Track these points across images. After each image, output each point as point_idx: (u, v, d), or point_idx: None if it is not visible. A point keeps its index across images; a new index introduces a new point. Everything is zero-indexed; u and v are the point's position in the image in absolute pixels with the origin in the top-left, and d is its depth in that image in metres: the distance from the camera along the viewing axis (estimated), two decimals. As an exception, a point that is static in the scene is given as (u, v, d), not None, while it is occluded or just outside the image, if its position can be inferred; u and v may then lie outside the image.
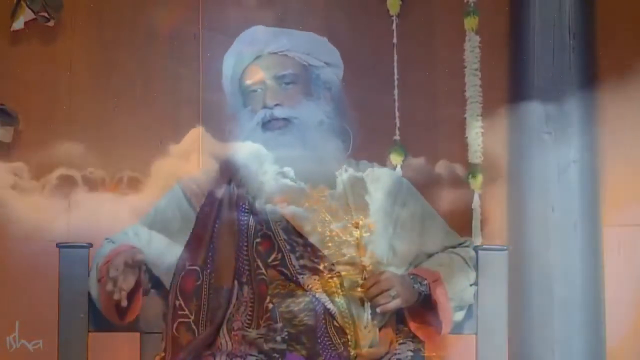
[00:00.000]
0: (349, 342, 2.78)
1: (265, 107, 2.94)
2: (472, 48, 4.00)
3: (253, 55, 2.99)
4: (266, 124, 2.94)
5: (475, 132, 3.99)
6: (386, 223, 2.95)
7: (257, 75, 2.98)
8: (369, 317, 2.83)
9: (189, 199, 2.97)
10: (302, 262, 2.82)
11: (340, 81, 3.07)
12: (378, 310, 2.81)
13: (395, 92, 3.95)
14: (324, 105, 2.98)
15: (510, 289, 2.98)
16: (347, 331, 2.78)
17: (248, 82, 2.98)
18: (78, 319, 2.92)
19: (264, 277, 2.82)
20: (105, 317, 2.90)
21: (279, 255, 2.83)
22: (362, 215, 2.93)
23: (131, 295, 2.79)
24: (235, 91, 3.04)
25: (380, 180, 3.02)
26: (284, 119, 2.93)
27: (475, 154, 3.99)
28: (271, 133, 2.93)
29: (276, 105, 2.94)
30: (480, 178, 3.99)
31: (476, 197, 3.99)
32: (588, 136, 3.88)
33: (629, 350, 3.88)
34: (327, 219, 2.91)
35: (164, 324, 2.85)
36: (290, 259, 2.82)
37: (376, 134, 3.74)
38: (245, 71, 3.00)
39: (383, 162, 3.71)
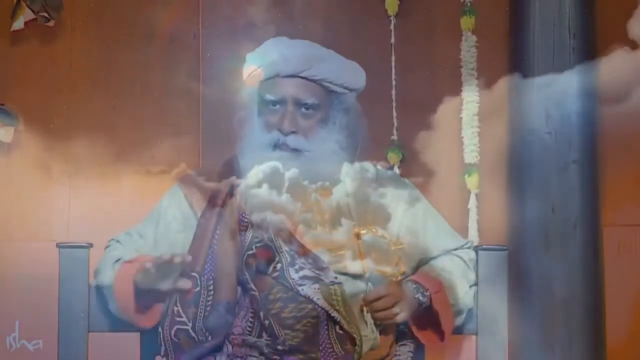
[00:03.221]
0: (356, 348, 2.78)
1: (279, 130, 2.88)
2: (468, 48, 4.01)
3: (285, 72, 2.91)
4: (277, 146, 2.89)
5: (472, 132, 4.00)
6: (389, 227, 2.94)
7: (281, 93, 2.89)
8: (372, 326, 2.83)
9: (189, 201, 2.97)
10: (302, 273, 2.81)
11: (356, 100, 3.02)
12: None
13: (393, 92, 3.96)
14: (337, 132, 2.93)
15: (510, 289, 2.98)
16: (355, 335, 2.78)
17: (269, 95, 2.90)
18: (78, 319, 2.92)
19: (254, 292, 2.81)
20: (111, 317, 2.90)
21: (278, 266, 2.82)
22: (363, 218, 2.92)
23: (160, 297, 2.82)
24: (252, 90, 2.97)
25: (382, 182, 3.01)
26: (296, 149, 2.88)
27: (471, 154, 3.99)
28: (280, 153, 2.88)
29: (292, 132, 2.88)
30: (476, 177, 4.00)
31: (472, 197, 4.00)
32: (588, 136, 3.89)
33: (629, 350, 3.88)
34: (327, 223, 2.90)
35: (161, 329, 2.85)
36: (289, 272, 2.81)
37: (374, 134, 3.74)
38: (271, 82, 2.92)
39: (381, 162, 3.71)
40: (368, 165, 3.04)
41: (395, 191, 3.00)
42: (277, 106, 2.89)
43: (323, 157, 2.89)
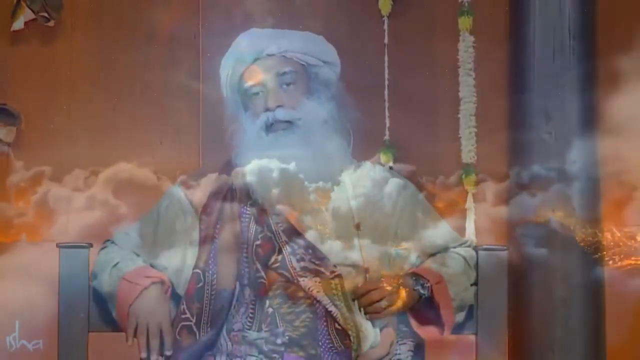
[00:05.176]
0: (352, 344, 2.78)
1: (267, 109, 2.93)
2: (466, 48, 4.01)
3: (251, 58, 2.99)
4: (270, 127, 2.93)
5: (469, 132, 4.00)
6: (388, 224, 2.95)
7: (257, 77, 2.97)
8: (364, 320, 2.83)
9: (190, 199, 2.97)
10: (303, 264, 2.82)
11: (338, 78, 3.07)
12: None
13: (386, 92, 3.96)
14: (324, 103, 2.98)
15: (510, 289, 2.98)
16: (350, 332, 2.78)
17: (248, 84, 2.98)
18: (78, 319, 2.92)
19: (263, 280, 2.82)
20: (111, 317, 2.91)
21: (279, 257, 2.83)
22: (364, 216, 2.93)
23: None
24: (234, 94, 3.03)
25: (382, 181, 3.01)
26: (287, 121, 2.93)
27: (469, 154, 4.00)
28: (275, 134, 2.93)
29: (278, 107, 2.93)
30: (473, 178, 4.00)
31: (470, 197, 4.00)
32: (588, 136, 3.89)
33: (629, 350, 3.88)
34: (328, 219, 2.91)
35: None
36: (290, 261, 2.82)
37: (367, 134, 3.74)
38: (245, 73, 3.00)
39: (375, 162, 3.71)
40: (370, 165, 3.05)
41: (395, 191, 3.00)
42: (259, 92, 2.95)
43: (315, 126, 2.93)
